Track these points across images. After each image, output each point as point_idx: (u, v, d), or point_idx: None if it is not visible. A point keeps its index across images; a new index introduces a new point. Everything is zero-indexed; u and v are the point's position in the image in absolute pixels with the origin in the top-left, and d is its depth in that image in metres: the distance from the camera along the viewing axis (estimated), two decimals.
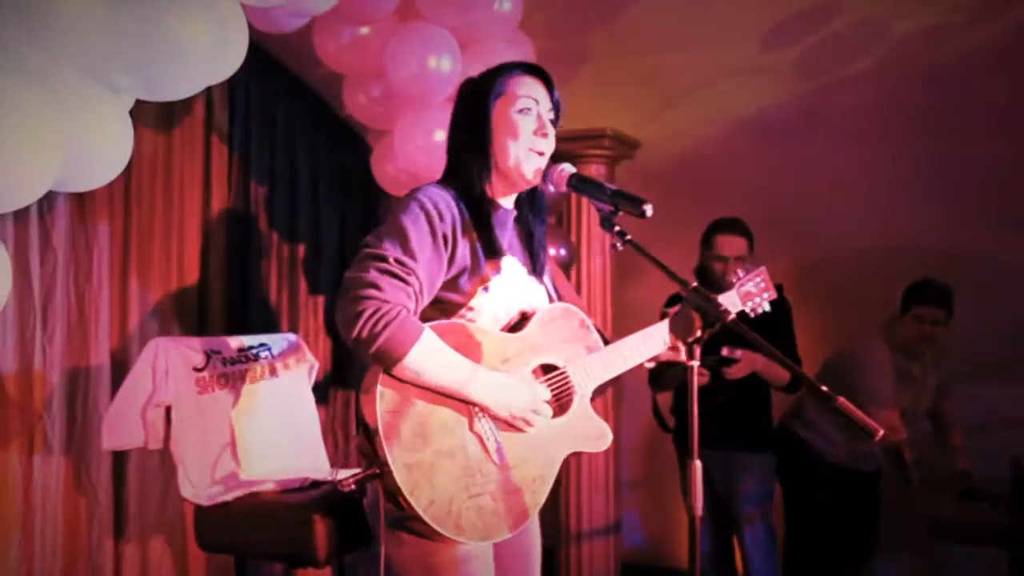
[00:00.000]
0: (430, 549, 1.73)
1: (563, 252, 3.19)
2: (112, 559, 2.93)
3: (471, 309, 1.81)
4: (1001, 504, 3.13)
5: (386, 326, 1.63)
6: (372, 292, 1.65)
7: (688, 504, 1.74)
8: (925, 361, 3.55)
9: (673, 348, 2.03)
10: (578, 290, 3.77)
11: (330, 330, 3.78)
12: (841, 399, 1.62)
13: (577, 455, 3.70)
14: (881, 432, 1.61)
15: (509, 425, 1.80)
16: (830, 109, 3.55)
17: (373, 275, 1.67)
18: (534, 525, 2.01)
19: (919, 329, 3.43)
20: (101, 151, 1.88)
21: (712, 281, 3.22)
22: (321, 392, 3.63)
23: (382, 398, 1.68)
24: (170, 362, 2.35)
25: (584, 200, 3.60)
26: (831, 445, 3.59)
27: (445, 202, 1.80)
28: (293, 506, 2.24)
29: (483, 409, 1.77)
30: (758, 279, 2.21)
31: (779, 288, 3.43)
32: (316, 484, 2.41)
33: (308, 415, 2.60)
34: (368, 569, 2.06)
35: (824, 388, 1.62)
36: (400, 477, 1.66)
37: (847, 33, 3.28)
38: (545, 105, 1.89)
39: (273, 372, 2.58)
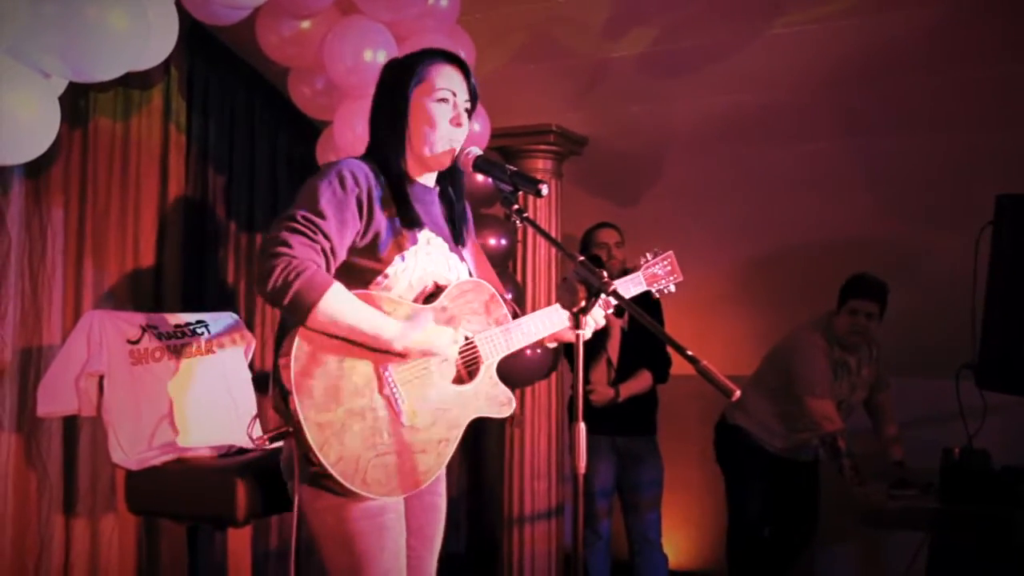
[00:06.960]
0: (344, 502, 1.83)
1: (504, 242, 3.31)
2: (62, 533, 3.00)
3: (387, 276, 1.90)
4: (931, 492, 3.22)
5: (297, 276, 1.74)
6: (282, 249, 1.77)
7: (573, 465, 1.86)
8: (861, 354, 3.62)
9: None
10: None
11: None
12: (705, 362, 1.72)
13: (521, 442, 3.83)
14: (737, 392, 1.71)
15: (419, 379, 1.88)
16: (772, 108, 3.65)
17: (284, 234, 1.79)
18: (441, 485, 2.12)
19: (853, 322, 3.51)
20: (25, 129, 1.99)
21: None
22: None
23: (297, 360, 1.77)
24: (104, 333, 2.46)
25: (532, 241, 3.83)
26: (771, 435, 3.69)
27: (362, 171, 1.90)
28: (216, 469, 2.36)
29: (401, 353, 1.85)
30: (664, 262, 2.26)
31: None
32: (243, 451, 2.52)
33: (244, 390, 2.71)
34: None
35: (689, 352, 1.72)
36: (311, 435, 1.75)
37: (786, 34, 3.39)
38: (462, 96, 1.99)
39: (210, 350, 2.70)
